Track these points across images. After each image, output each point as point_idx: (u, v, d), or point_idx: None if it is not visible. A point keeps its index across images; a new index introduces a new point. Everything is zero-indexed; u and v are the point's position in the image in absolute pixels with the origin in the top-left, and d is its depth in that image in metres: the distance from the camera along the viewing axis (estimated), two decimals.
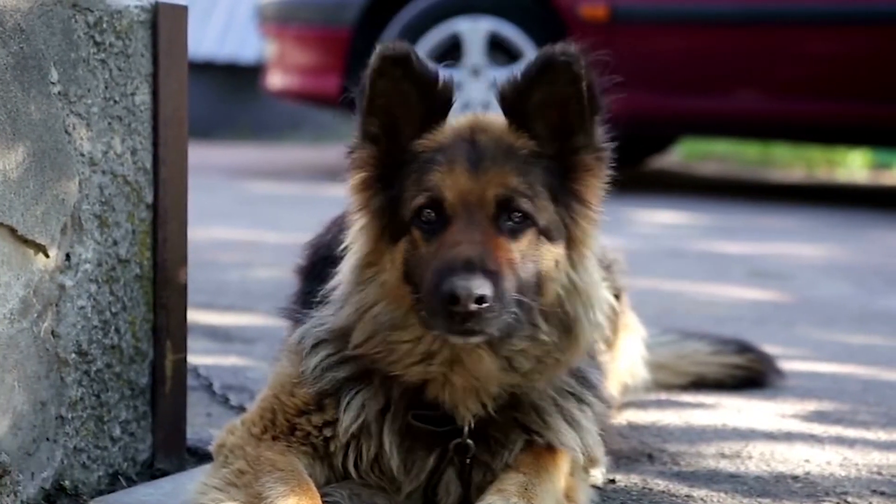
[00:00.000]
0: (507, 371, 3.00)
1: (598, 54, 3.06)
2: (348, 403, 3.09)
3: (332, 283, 3.12)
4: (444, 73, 3.08)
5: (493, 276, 2.82)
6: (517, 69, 3.08)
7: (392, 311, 2.99)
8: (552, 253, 2.99)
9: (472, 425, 3.06)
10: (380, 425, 3.08)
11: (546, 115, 3.04)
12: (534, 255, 2.96)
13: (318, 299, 3.20)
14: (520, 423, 3.12)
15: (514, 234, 2.94)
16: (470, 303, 2.76)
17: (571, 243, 3.03)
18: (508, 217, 2.94)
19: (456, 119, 3.10)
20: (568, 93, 3.02)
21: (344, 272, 3.08)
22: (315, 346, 3.14)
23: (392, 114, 3.05)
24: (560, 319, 3.00)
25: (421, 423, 3.07)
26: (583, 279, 3.03)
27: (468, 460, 3.08)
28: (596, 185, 3.08)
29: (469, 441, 3.07)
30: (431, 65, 3.08)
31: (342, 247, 3.13)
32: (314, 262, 3.40)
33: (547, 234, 2.98)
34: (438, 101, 3.07)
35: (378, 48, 3.01)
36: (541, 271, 2.96)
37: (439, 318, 2.82)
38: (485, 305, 2.78)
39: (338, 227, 3.35)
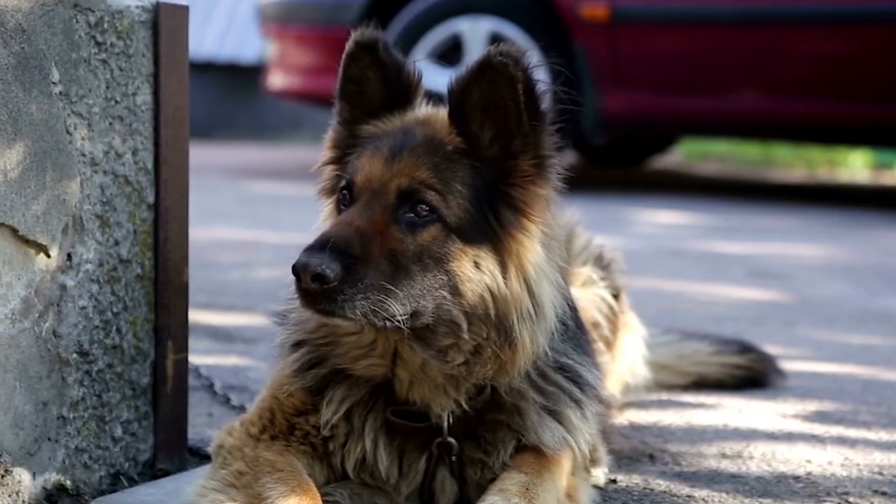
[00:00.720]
0: (444, 363, 2.96)
1: (551, 59, 3.01)
2: (329, 398, 3.09)
3: None
4: (410, 64, 3.12)
5: (349, 259, 2.81)
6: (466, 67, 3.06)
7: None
8: (467, 254, 2.93)
9: (451, 422, 3.04)
10: (362, 423, 3.08)
11: (485, 116, 3.00)
12: (437, 253, 2.91)
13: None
14: (504, 423, 3.10)
15: (413, 226, 2.91)
16: (307, 279, 2.78)
17: (502, 249, 2.96)
18: (411, 209, 2.93)
19: (417, 110, 3.14)
20: (505, 95, 2.96)
21: None
22: (295, 345, 3.14)
23: (359, 98, 3.12)
24: (491, 321, 2.95)
25: (400, 420, 3.06)
26: (513, 286, 2.95)
27: (454, 458, 3.08)
28: (535, 193, 3.00)
29: (451, 439, 3.05)
30: (398, 54, 3.12)
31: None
32: None
33: (460, 234, 2.93)
34: (399, 90, 3.11)
35: (352, 34, 3.07)
36: (450, 270, 2.91)
37: (297, 292, 2.85)
38: (329, 286, 2.78)
39: None
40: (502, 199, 2.98)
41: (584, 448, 3.19)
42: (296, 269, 2.79)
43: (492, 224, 2.95)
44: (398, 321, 2.84)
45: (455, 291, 2.91)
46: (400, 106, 3.12)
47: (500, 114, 2.98)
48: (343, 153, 3.13)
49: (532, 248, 2.98)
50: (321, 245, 2.82)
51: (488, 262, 2.94)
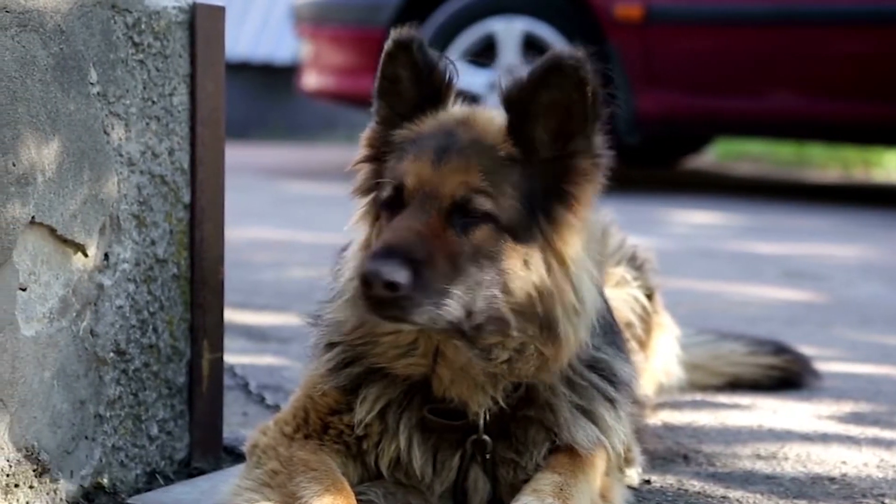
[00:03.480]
0: (487, 361, 2.97)
1: (601, 63, 3.04)
2: (363, 397, 3.09)
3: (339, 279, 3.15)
4: (446, 64, 3.11)
5: (417, 265, 2.81)
6: (522, 70, 3.07)
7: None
8: (518, 252, 2.94)
9: (487, 420, 3.05)
10: (396, 422, 3.09)
11: (548, 117, 3.01)
12: (490, 253, 2.92)
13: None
14: (536, 420, 3.11)
15: (467, 228, 2.92)
16: (378, 287, 2.77)
17: (550, 246, 2.98)
18: (464, 211, 2.93)
19: (453, 109, 3.13)
20: (573, 97, 2.98)
21: (348, 262, 3.10)
22: (329, 345, 3.15)
23: (395, 97, 3.11)
24: (538, 317, 2.96)
25: (436, 418, 3.07)
26: (560, 282, 2.97)
27: (488, 456, 3.08)
28: (589, 191, 3.04)
29: (486, 437, 3.06)
30: (434, 54, 3.11)
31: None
32: (342, 266, 3.40)
33: (511, 232, 2.94)
34: (432, 89, 3.10)
35: (392, 33, 3.06)
36: (502, 269, 2.92)
37: (360, 300, 2.86)
38: (399, 293, 2.78)
39: None
40: (557, 196, 3.00)
41: (619, 448, 3.19)
42: (367, 277, 2.78)
43: (540, 222, 2.97)
44: (458, 323, 2.86)
45: (505, 290, 2.92)
46: (433, 105, 3.11)
47: (565, 115, 3.00)
48: (379, 152, 3.12)
49: (576, 245, 3.01)
50: (389, 252, 2.81)
51: (537, 259, 2.96)
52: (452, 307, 2.84)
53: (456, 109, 3.13)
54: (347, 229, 3.12)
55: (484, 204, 2.92)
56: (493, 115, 3.09)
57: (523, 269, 2.94)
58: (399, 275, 2.77)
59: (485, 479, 3.10)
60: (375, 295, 2.79)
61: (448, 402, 3.06)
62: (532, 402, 3.09)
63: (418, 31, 3.07)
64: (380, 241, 2.89)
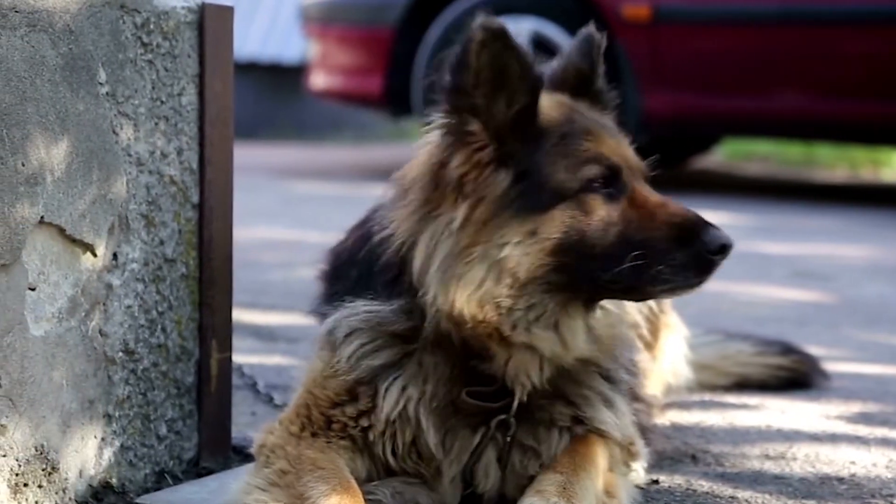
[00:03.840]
0: (589, 342, 3.11)
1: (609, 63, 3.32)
2: (387, 390, 3.10)
3: (414, 272, 3.09)
4: (531, 49, 3.14)
5: None
6: (572, 53, 3.30)
7: (509, 282, 2.99)
8: None
9: (525, 399, 3.09)
10: (417, 409, 3.10)
11: (605, 91, 3.27)
12: None
13: (343, 298, 3.22)
14: (563, 396, 3.16)
15: None
16: (728, 253, 3.03)
17: None
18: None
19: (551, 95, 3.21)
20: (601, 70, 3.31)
21: (432, 258, 3.04)
22: (348, 335, 3.14)
23: (494, 88, 3.04)
24: None
25: (474, 400, 3.09)
26: None
27: (509, 438, 3.10)
28: None
29: (511, 419, 3.10)
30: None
31: (372, 245, 3.20)
32: (336, 267, 3.40)
33: None
34: (536, 77, 3.09)
35: (477, 21, 3.02)
36: None
37: (691, 270, 3.03)
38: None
39: (357, 234, 3.36)
40: None
41: (626, 433, 3.25)
42: (728, 245, 3.03)
43: None
44: None
45: None
46: (537, 93, 3.10)
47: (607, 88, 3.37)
48: (506, 145, 3.04)
49: None
50: (708, 221, 3.06)
51: None
52: None
53: (543, 97, 3.15)
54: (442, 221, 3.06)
55: None
56: (569, 99, 3.24)
57: None
58: None
59: (497, 466, 3.12)
60: (721, 260, 3.04)
61: (488, 384, 3.09)
62: (562, 377, 3.15)
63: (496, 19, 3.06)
64: (682, 213, 3.07)
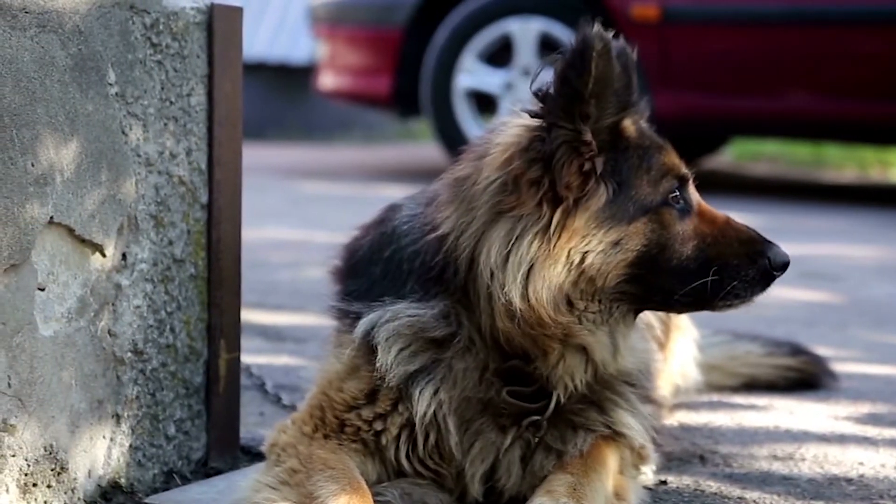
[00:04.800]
0: (627, 350, 3.20)
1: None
2: (420, 393, 3.11)
3: (482, 276, 3.08)
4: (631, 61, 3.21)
5: None
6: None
7: (584, 288, 3.04)
8: None
9: (561, 401, 3.14)
10: (444, 411, 3.11)
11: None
12: None
13: (362, 298, 3.22)
14: (593, 401, 3.20)
15: None
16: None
17: None
18: None
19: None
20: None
21: (513, 252, 3.04)
22: (388, 339, 3.14)
23: (604, 98, 3.06)
24: None
25: (514, 400, 3.12)
26: None
27: (537, 439, 3.13)
28: None
29: (544, 421, 3.13)
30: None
31: (402, 245, 3.21)
32: (353, 264, 3.40)
33: None
34: (631, 87, 3.15)
35: (591, 30, 3.03)
36: None
37: (759, 285, 3.17)
38: None
39: (375, 233, 3.36)
40: None
41: (642, 434, 3.27)
42: (788, 262, 3.20)
43: None
44: None
45: None
46: (634, 102, 3.19)
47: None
48: (610, 156, 3.10)
49: None
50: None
51: None
52: None
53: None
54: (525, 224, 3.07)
55: None
56: None
57: None
58: None
59: (520, 466, 3.14)
60: (780, 276, 3.18)
61: (527, 385, 3.12)
62: (597, 384, 3.20)
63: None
64: (747, 231, 3.22)
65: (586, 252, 3.02)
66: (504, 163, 3.09)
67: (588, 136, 3.03)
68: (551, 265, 3.01)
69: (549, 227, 3.01)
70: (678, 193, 3.14)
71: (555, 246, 3.01)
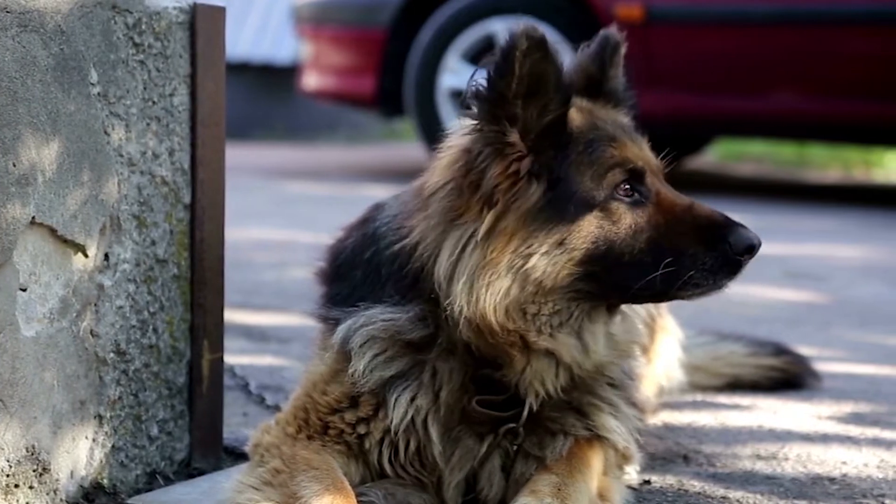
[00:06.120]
0: (608, 348, 3.14)
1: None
2: (396, 400, 3.08)
3: (438, 279, 3.07)
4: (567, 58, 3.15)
5: None
6: (585, 55, 3.29)
7: (534, 290, 2.99)
8: None
9: (535, 408, 3.09)
10: (424, 418, 3.09)
11: (619, 91, 3.28)
12: None
13: (346, 300, 3.21)
14: (573, 405, 3.15)
15: None
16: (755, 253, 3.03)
17: None
18: None
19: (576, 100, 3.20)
20: (621, 71, 3.31)
21: (458, 266, 3.02)
22: (363, 344, 3.12)
23: (533, 97, 3.03)
24: None
25: (483, 409, 3.09)
26: None
27: (515, 447, 3.10)
28: None
29: (520, 428, 3.10)
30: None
31: (381, 246, 3.18)
32: (337, 266, 3.39)
33: None
34: (569, 85, 3.10)
35: (519, 29, 3.01)
36: None
37: (723, 272, 3.03)
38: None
39: (358, 234, 3.35)
40: None
41: (625, 437, 3.24)
42: (755, 245, 3.04)
43: None
44: None
45: None
46: (569, 99, 3.10)
47: (624, 88, 3.37)
48: (541, 156, 3.04)
49: None
50: (735, 221, 3.05)
51: None
52: None
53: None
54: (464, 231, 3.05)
55: None
56: (585, 101, 3.23)
57: None
58: None
59: (501, 474, 3.12)
60: (748, 260, 3.05)
61: (499, 393, 3.09)
62: (575, 387, 3.15)
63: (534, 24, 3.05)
64: (708, 215, 3.06)
65: (529, 255, 2.97)
66: (449, 167, 3.10)
67: (513, 138, 3.00)
68: (493, 272, 2.98)
69: (487, 233, 2.99)
70: (630, 186, 3.05)
71: (493, 251, 2.99)
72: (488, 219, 2.98)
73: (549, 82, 3.01)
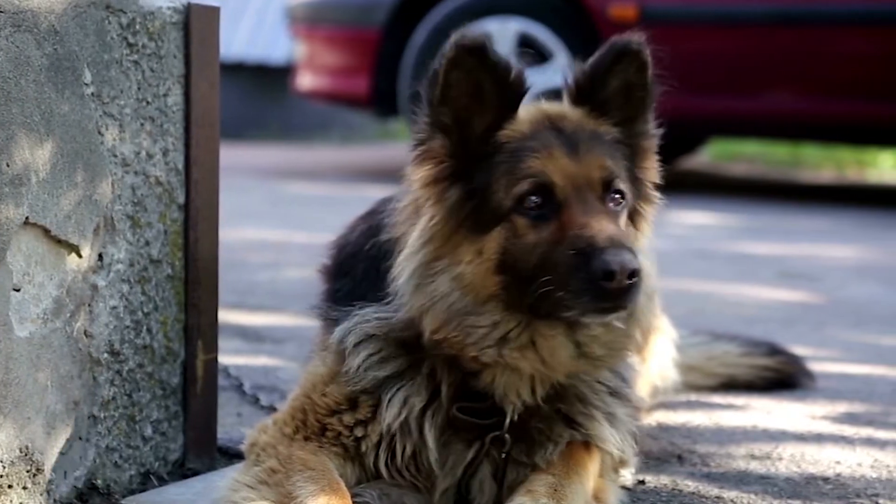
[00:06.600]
0: (577, 358, 3.02)
1: (654, 48, 3.17)
2: (389, 400, 3.08)
3: (392, 280, 3.08)
4: (516, 64, 3.07)
5: (633, 252, 2.87)
6: (588, 61, 3.16)
7: (468, 299, 2.97)
8: (633, 234, 3.07)
9: (516, 417, 3.07)
10: (420, 421, 3.08)
11: (621, 101, 3.12)
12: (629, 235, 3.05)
13: (347, 297, 3.21)
14: (563, 415, 3.13)
15: (617, 215, 3.01)
16: (624, 278, 2.81)
17: (636, 224, 3.13)
18: (611, 198, 3.01)
19: (525, 110, 3.10)
20: (635, 80, 3.13)
21: (408, 266, 3.04)
22: (357, 344, 3.13)
23: (465, 104, 3.02)
24: None
25: (465, 416, 3.08)
26: (644, 262, 3.04)
27: (504, 455, 3.09)
28: (654, 169, 3.18)
29: (506, 435, 3.08)
30: (504, 56, 3.06)
31: (381, 240, 3.17)
32: (340, 261, 3.40)
33: (631, 215, 3.08)
34: (513, 92, 3.06)
35: (453, 37, 2.99)
36: None
37: (586, 296, 2.85)
38: (635, 280, 2.84)
39: (365, 226, 3.36)
40: (638, 178, 3.13)
41: (626, 444, 3.23)
42: (613, 271, 2.81)
43: (635, 204, 3.11)
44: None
45: None
46: (514, 107, 3.07)
47: (629, 98, 3.13)
48: (456, 163, 3.03)
49: (650, 222, 3.17)
50: (615, 243, 2.85)
51: (634, 237, 3.10)
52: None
53: (531, 108, 3.12)
54: (412, 236, 3.06)
55: (622, 187, 3.02)
56: (568, 108, 3.14)
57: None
58: (637, 262, 2.84)
59: (492, 481, 3.11)
60: (616, 286, 2.82)
61: (481, 400, 3.07)
62: (562, 397, 3.13)
63: (482, 34, 3.01)
64: (591, 235, 2.88)
65: (459, 261, 2.98)
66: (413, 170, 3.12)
67: (435, 143, 3.02)
68: (433, 275, 2.99)
69: (430, 236, 3.01)
70: (536, 199, 2.96)
71: (432, 256, 3.01)
72: (422, 222, 3.02)
73: (485, 89, 3.01)
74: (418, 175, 3.05)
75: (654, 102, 3.17)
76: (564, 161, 2.98)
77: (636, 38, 3.10)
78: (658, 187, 3.21)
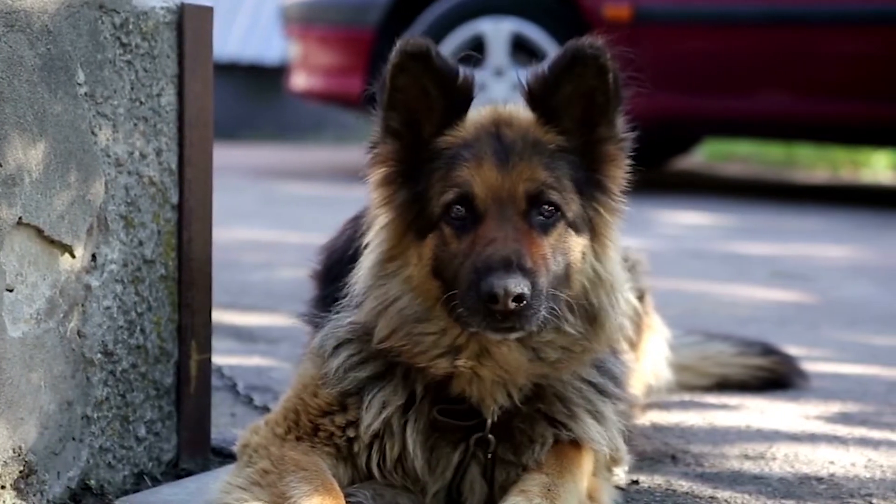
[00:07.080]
0: (535, 362, 3.01)
1: (620, 50, 3.10)
2: (370, 402, 3.09)
3: (351, 283, 3.11)
4: (463, 69, 3.08)
5: (530, 274, 2.83)
6: (542, 64, 3.10)
7: (417, 304, 2.99)
8: (579, 244, 3.01)
9: (497, 418, 3.06)
10: (402, 423, 3.09)
11: (573, 107, 3.06)
12: (563, 248, 2.98)
13: (336, 302, 3.22)
14: (545, 415, 3.13)
15: (545, 228, 2.96)
16: (509, 302, 2.78)
17: (595, 234, 3.06)
18: (539, 211, 2.96)
19: (477, 112, 3.10)
20: (594, 85, 3.06)
21: (364, 268, 3.08)
22: (336, 347, 3.14)
23: (412, 109, 3.05)
24: (585, 310, 3.03)
25: (446, 418, 3.07)
26: (606, 269, 3.05)
27: (489, 455, 3.09)
28: (619, 175, 3.12)
29: (490, 436, 3.07)
30: (451, 60, 3.07)
31: (362, 243, 3.15)
32: (329, 265, 3.41)
33: (574, 227, 3.00)
34: (459, 97, 3.07)
35: (398, 43, 3.01)
36: (569, 263, 2.99)
37: (478, 316, 2.84)
38: (523, 304, 2.80)
39: (352, 230, 3.36)
40: (596, 185, 3.07)
41: (616, 443, 3.23)
42: (496, 294, 2.78)
43: (589, 212, 3.04)
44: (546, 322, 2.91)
45: (567, 283, 2.98)
46: (461, 112, 3.07)
47: (589, 103, 3.07)
48: (404, 167, 3.06)
49: (614, 231, 3.10)
50: (506, 264, 2.82)
51: (589, 249, 3.04)
52: (553, 308, 2.91)
53: (484, 110, 3.12)
54: (368, 237, 3.09)
55: (555, 199, 2.97)
56: (521, 112, 3.10)
57: (581, 262, 3.01)
58: (524, 286, 2.80)
59: (482, 482, 3.11)
60: (502, 309, 2.80)
61: (460, 403, 3.07)
62: (542, 397, 3.12)
63: (427, 40, 3.03)
64: (489, 254, 2.85)
65: (408, 264, 3.00)
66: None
67: (385, 147, 3.05)
68: (384, 277, 3.02)
69: (383, 238, 3.04)
70: (459, 209, 2.95)
71: (386, 257, 3.03)
72: (376, 224, 3.05)
73: (430, 94, 3.03)
74: (372, 178, 3.08)
75: (619, 106, 3.11)
76: (491, 172, 2.97)
77: (592, 42, 3.04)
78: (628, 192, 3.14)
